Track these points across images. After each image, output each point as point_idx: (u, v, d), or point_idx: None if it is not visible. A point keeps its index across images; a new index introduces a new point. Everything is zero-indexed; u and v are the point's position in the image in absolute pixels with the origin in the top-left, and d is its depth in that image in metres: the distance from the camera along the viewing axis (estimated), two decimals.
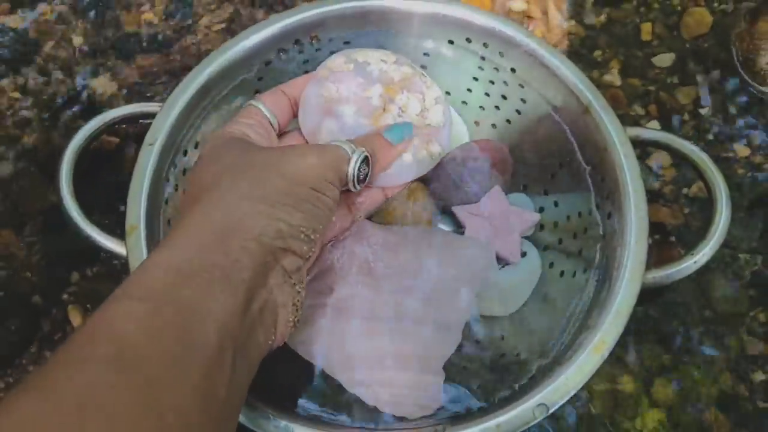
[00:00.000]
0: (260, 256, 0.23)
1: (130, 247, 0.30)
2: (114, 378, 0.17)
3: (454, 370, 0.32)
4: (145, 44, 0.44)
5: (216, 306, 0.20)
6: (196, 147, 0.35)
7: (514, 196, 0.38)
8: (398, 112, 0.31)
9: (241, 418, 0.26)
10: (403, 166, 0.31)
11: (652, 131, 0.35)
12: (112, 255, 0.32)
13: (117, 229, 0.31)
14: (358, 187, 0.28)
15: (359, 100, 0.31)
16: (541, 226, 0.37)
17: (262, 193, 0.24)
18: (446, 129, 0.33)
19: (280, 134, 0.31)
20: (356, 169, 0.27)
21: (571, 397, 0.27)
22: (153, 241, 0.31)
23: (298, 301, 0.25)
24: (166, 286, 0.20)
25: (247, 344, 0.22)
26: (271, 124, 0.30)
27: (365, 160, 0.28)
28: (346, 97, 0.31)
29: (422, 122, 0.32)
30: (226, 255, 0.22)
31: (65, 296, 0.37)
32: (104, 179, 0.40)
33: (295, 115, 0.32)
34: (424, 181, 0.39)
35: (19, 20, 0.45)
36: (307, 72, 0.38)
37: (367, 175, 0.28)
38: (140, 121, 0.36)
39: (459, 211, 0.37)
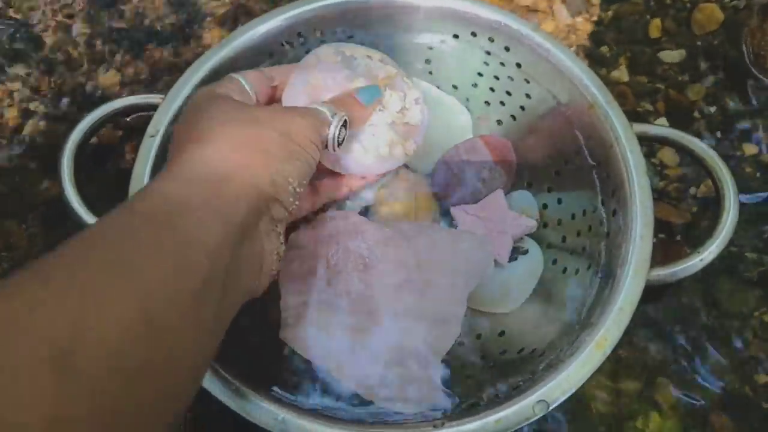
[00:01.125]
0: (254, 201, 0.24)
1: None
2: (112, 281, 0.18)
3: (453, 366, 0.32)
4: (149, 37, 0.44)
5: (210, 239, 0.22)
6: None
7: (518, 194, 0.38)
8: (379, 107, 0.32)
9: (242, 413, 0.26)
10: (378, 158, 0.32)
11: (659, 127, 0.34)
12: None
13: None
14: (336, 150, 0.29)
15: (343, 90, 0.32)
16: (544, 224, 0.37)
17: (256, 144, 0.25)
18: (422, 128, 0.34)
19: None
20: (337, 130, 0.29)
21: (572, 396, 0.27)
22: None
23: (280, 250, 0.27)
24: (165, 213, 0.21)
25: (235, 280, 0.23)
26: (250, 96, 0.31)
27: (344, 124, 0.29)
28: (332, 87, 0.32)
29: (401, 120, 0.33)
30: (225, 196, 0.23)
31: None
32: (107, 171, 0.40)
33: (276, 100, 0.32)
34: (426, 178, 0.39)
35: (24, 11, 0.45)
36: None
37: (344, 138, 0.30)
38: (142, 113, 0.36)
39: (456, 211, 0.37)
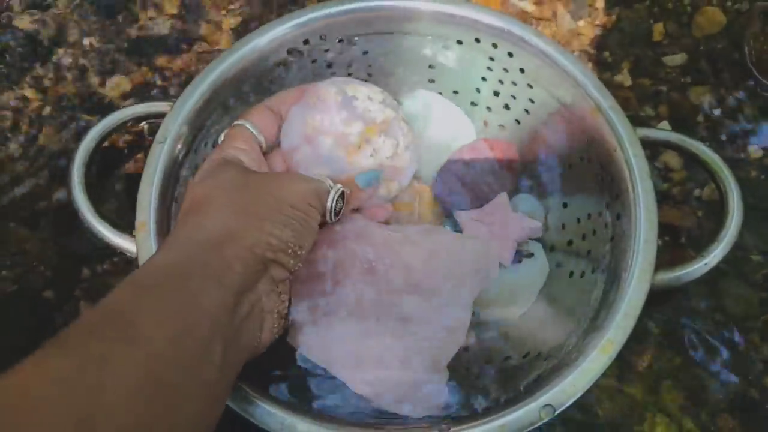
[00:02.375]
0: (252, 264, 0.25)
1: (139, 243, 0.31)
2: (125, 349, 0.20)
3: (458, 370, 0.32)
4: (159, 45, 0.45)
5: (208, 302, 0.23)
6: (205, 146, 0.36)
7: (522, 198, 0.38)
8: (371, 152, 0.33)
9: (246, 415, 0.26)
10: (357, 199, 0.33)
11: (662, 131, 0.34)
12: (123, 252, 0.32)
13: (129, 227, 0.32)
14: (333, 219, 0.31)
15: (339, 134, 0.33)
16: (548, 228, 0.37)
17: (255, 210, 0.27)
18: (409, 172, 0.35)
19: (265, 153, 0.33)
20: (334, 201, 0.30)
21: (578, 400, 0.27)
22: (162, 238, 0.31)
23: (282, 309, 0.28)
24: (167, 281, 0.23)
25: (236, 341, 0.24)
26: (260, 144, 0.32)
27: (341, 195, 0.31)
28: (328, 129, 0.33)
29: (390, 163, 0.34)
30: (221, 260, 0.24)
31: (77, 292, 0.37)
32: (116, 177, 0.40)
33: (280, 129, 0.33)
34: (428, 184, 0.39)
35: (34, 20, 0.46)
36: (316, 74, 0.39)
37: (341, 209, 0.31)
38: (152, 120, 0.36)
39: (459, 215, 0.37)
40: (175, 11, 0.46)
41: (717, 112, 0.41)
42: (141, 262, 0.31)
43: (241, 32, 0.45)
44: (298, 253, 0.28)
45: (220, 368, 0.23)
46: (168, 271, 0.23)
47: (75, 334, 0.20)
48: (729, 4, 0.44)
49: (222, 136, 0.32)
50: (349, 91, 0.34)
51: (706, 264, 0.30)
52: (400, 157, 0.35)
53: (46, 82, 0.44)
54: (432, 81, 0.40)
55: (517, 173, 0.38)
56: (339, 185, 0.31)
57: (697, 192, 0.39)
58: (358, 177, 0.33)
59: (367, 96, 0.34)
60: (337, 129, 0.33)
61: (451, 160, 0.39)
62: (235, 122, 0.32)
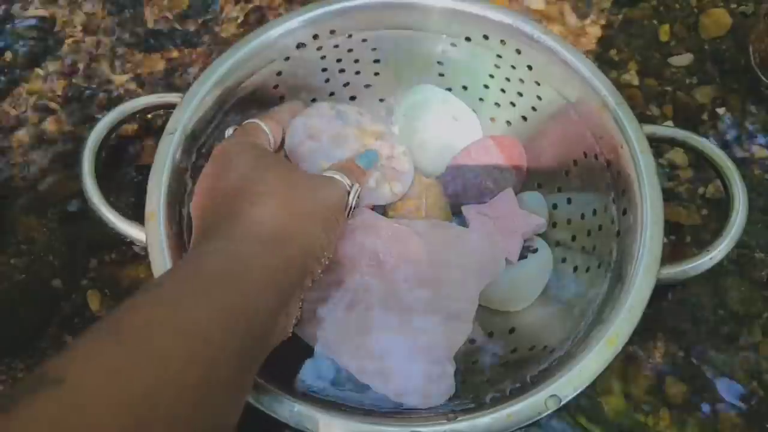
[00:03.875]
0: (300, 269, 0.25)
1: (149, 232, 0.31)
2: (178, 343, 0.19)
3: (465, 363, 0.32)
4: (169, 37, 0.45)
5: (264, 305, 0.23)
6: (215, 138, 0.36)
7: (528, 195, 0.38)
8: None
9: (257, 404, 0.26)
10: (364, 189, 0.34)
11: (668, 128, 0.35)
12: (131, 242, 0.32)
13: (137, 218, 0.32)
14: (349, 217, 0.31)
15: (336, 133, 0.35)
16: (554, 223, 0.37)
17: (306, 211, 0.26)
18: (408, 177, 0.37)
19: None
20: (354, 201, 0.30)
21: (584, 392, 0.27)
22: (172, 227, 0.32)
23: (299, 314, 0.28)
24: (226, 277, 0.22)
25: (275, 341, 0.25)
26: (271, 143, 0.32)
27: (357, 194, 0.31)
28: (327, 129, 0.35)
29: (389, 164, 0.36)
30: (281, 261, 0.24)
31: (85, 281, 0.37)
32: (125, 167, 0.41)
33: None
34: (438, 179, 0.39)
35: (47, 9, 0.46)
36: (324, 69, 0.39)
37: (355, 206, 0.31)
38: (161, 111, 0.37)
39: (466, 209, 0.37)
40: (187, 3, 0.47)
41: (722, 111, 0.42)
42: (151, 250, 0.31)
43: (252, 26, 0.46)
44: (325, 262, 0.28)
45: (258, 366, 0.23)
46: (226, 266, 0.22)
47: (130, 322, 0.19)
48: (734, 6, 0.45)
49: (230, 131, 0.32)
50: (342, 108, 0.37)
51: (711, 258, 0.31)
52: (397, 160, 0.37)
53: (57, 72, 0.44)
54: (441, 75, 0.41)
55: (524, 170, 0.39)
56: (357, 184, 0.30)
57: (701, 190, 0.40)
58: (359, 158, 0.33)
59: (357, 112, 0.37)
60: (335, 129, 0.35)
61: (458, 157, 0.39)
62: (247, 121, 0.32)
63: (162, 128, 0.33)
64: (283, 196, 0.26)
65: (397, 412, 0.28)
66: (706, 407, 0.34)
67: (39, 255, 0.38)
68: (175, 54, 0.45)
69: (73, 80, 0.44)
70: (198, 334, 0.20)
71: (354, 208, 0.31)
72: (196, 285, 0.21)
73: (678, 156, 0.40)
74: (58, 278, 0.37)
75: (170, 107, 0.35)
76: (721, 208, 0.38)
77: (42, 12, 0.46)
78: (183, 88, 0.35)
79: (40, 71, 0.44)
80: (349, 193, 0.30)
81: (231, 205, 0.25)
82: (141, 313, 0.20)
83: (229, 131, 0.32)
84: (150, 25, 0.46)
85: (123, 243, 0.38)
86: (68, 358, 0.18)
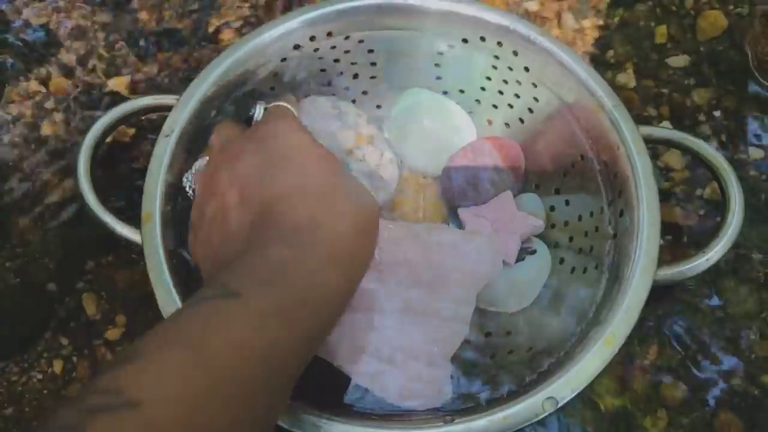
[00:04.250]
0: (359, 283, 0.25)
1: (145, 234, 0.31)
2: (249, 343, 0.19)
3: (462, 365, 0.32)
4: (165, 39, 0.45)
5: (327, 320, 0.23)
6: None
7: (525, 197, 0.38)
8: (361, 157, 0.37)
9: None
10: None
11: (665, 130, 0.35)
12: (127, 244, 0.32)
13: (134, 221, 0.32)
14: None
15: (332, 138, 0.37)
16: (552, 225, 0.37)
17: (369, 229, 0.25)
18: (393, 184, 0.38)
19: None
20: None
21: (580, 394, 0.27)
22: (168, 229, 0.32)
23: None
24: (310, 301, 0.21)
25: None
26: None
27: None
28: (323, 134, 0.36)
29: (377, 172, 0.37)
30: (350, 287, 0.24)
31: (80, 284, 0.37)
32: (121, 169, 0.41)
33: None
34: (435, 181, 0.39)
35: (40, 15, 0.46)
36: (323, 70, 0.39)
37: None
38: (157, 113, 0.36)
39: (463, 212, 0.37)
40: (183, 5, 0.46)
41: (718, 113, 0.42)
42: (147, 253, 0.31)
43: (249, 27, 0.46)
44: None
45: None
46: (308, 294, 0.21)
47: (193, 324, 0.18)
48: (731, 7, 0.45)
49: (260, 110, 0.30)
50: (343, 107, 0.37)
51: (707, 259, 0.31)
52: (386, 169, 0.37)
53: (53, 75, 0.44)
54: (439, 78, 0.41)
55: (522, 171, 0.39)
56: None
57: (698, 191, 0.40)
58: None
59: (356, 113, 0.37)
60: (331, 133, 0.36)
61: (456, 158, 0.39)
62: (275, 102, 0.30)
63: (159, 130, 0.33)
64: (355, 216, 0.24)
65: (394, 414, 0.28)
66: (703, 408, 0.34)
67: (34, 257, 0.38)
68: (173, 56, 0.45)
69: (70, 82, 0.44)
70: (284, 369, 0.19)
71: None
72: (277, 306, 0.20)
73: (674, 158, 0.40)
74: (53, 281, 0.37)
75: (167, 109, 0.34)
76: (718, 208, 0.38)
77: (38, 14, 0.46)
78: (179, 90, 0.35)
79: (36, 73, 0.44)
80: None
81: (306, 214, 0.23)
82: (221, 334, 0.18)
83: (258, 111, 0.30)
84: (148, 26, 0.46)
85: (120, 245, 0.38)
86: (142, 375, 0.17)
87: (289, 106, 0.30)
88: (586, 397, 0.34)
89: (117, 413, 0.16)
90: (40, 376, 0.35)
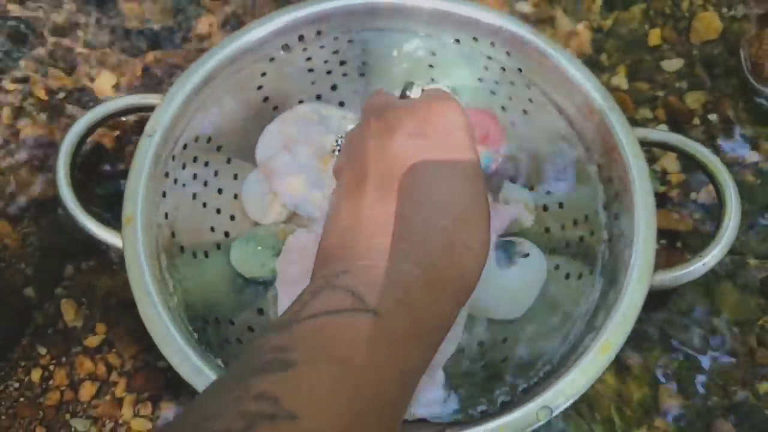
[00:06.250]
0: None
1: (126, 238, 0.30)
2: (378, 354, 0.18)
3: (455, 372, 0.31)
4: (147, 39, 0.44)
5: (442, 335, 0.21)
6: (196, 141, 0.35)
7: (509, 186, 0.37)
8: None
9: None
10: (324, 201, 0.35)
11: (660, 132, 0.34)
12: (108, 248, 0.31)
13: (114, 224, 0.31)
14: None
15: (315, 144, 0.36)
16: (546, 229, 0.36)
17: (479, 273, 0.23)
18: None
19: None
20: None
21: (576, 402, 0.26)
22: (149, 232, 0.30)
23: None
24: (426, 319, 0.20)
25: None
26: None
27: None
28: (304, 139, 0.35)
29: None
30: (462, 298, 0.22)
31: (59, 290, 0.36)
32: (102, 171, 0.39)
33: None
34: None
35: (25, 9, 0.45)
36: (310, 70, 0.38)
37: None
38: (140, 113, 0.35)
39: None
40: (168, 5, 0.45)
41: (712, 116, 0.41)
42: (127, 257, 0.29)
43: (235, 27, 0.45)
44: None
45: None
46: (425, 309, 0.20)
47: (338, 340, 0.18)
48: (725, 10, 0.45)
49: (418, 91, 0.27)
50: (324, 111, 0.37)
51: (704, 264, 0.30)
52: None
53: (34, 74, 0.43)
54: (432, 79, 0.40)
55: (500, 151, 0.37)
56: None
57: (693, 195, 0.39)
58: None
59: (341, 116, 0.37)
60: (312, 139, 0.35)
61: None
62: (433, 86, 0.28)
63: (141, 130, 0.32)
64: (482, 255, 0.22)
65: None
66: (700, 415, 0.33)
67: (10, 262, 0.36)
68: (157, 56, 0.44)
69: (50, 82, 0.42)
70: (409, 392, 0.19)
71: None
72: (409, 331, 0.19)
73: (669, 162, 0.40)
74: (30, 287, 0.36)
75: (149, 109, 0.33)
76: (714, 213, 0.37)
77: (19, 12, 0.45)
78: (163, 90, 0.34)
79: (16, 73, 0.43)
80: None
81: (446, 236, 0.21)
82: (364, 353, 0.18)
83: (415, 90, 0.26)
84: (129, 25, 0.45)
85: (100, 250, 0.37)
86: (296, 386, 0.17)
87: (449, 91, 0.28)
88: (582, 403, 0.33)
89: (278, 424, 0.15)
90: (16, 384, 0.34)
